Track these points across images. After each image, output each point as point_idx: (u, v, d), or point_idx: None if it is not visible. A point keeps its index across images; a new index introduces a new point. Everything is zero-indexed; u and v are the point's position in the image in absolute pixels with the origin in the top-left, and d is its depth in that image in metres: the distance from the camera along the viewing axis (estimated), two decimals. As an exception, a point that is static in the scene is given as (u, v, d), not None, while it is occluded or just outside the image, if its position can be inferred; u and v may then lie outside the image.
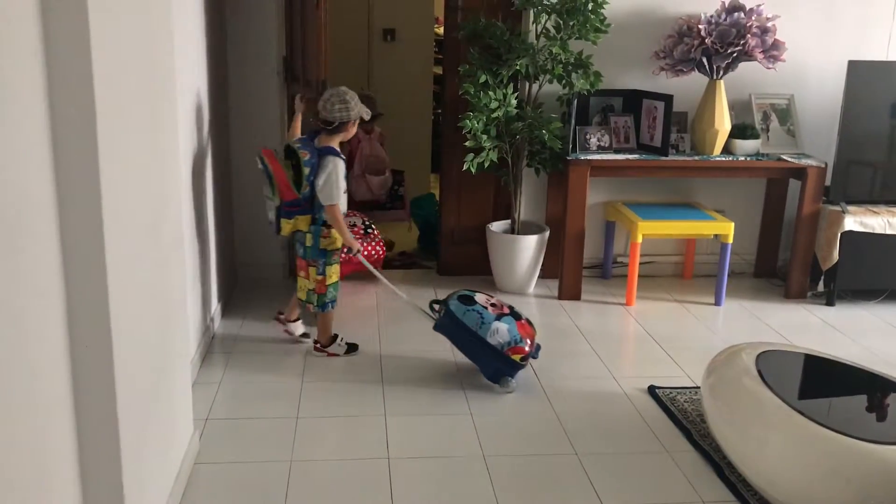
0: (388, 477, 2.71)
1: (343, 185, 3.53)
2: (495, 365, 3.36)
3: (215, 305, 3.98)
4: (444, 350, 3.75)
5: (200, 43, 3.69)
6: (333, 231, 3.55)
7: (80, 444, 1.91)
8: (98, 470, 1.95)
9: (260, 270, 4.71)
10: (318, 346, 3.71)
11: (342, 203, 3.55)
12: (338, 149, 3.56)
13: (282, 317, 3.84)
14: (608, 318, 4.30)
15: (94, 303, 1.85)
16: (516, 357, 3.32)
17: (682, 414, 3.21)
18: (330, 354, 3.68)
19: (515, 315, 3.45)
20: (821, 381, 3.09)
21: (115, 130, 1.91)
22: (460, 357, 3.64)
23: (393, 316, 4.20)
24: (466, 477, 2.75)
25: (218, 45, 4.15)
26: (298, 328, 3.83)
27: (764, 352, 2.99)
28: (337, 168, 3.47)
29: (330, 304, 3.66)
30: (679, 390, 3.41)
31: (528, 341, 3.38)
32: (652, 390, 3.40)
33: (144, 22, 2.23)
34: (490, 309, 3.40)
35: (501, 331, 3.32)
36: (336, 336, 3.71)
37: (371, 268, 3.74)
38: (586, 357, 3.76)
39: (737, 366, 2.94)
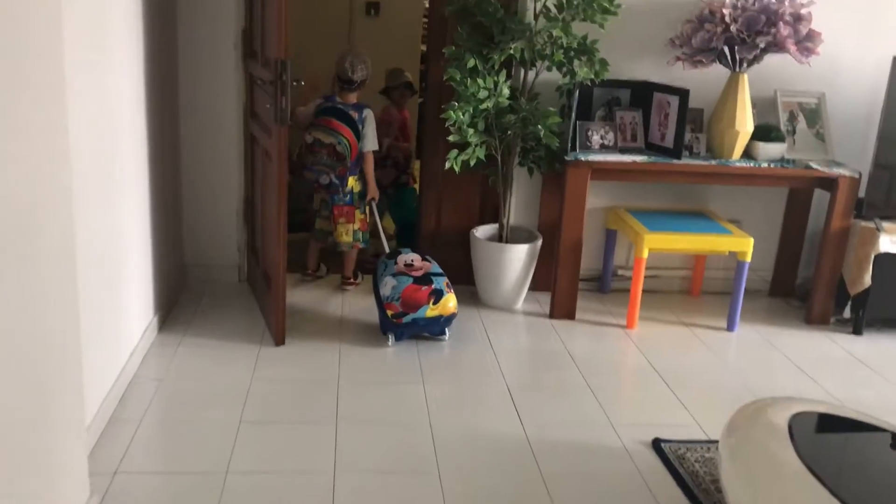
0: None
1: None
2: (380, 314, 3.58)
3: (150, 319, 3.41)
4: (411, 359, 3.23)
5: (134, 9, 3.09)
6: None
7: None
8: None
9: (211, 272, 4.14)
10: (349, 280, 4.21)
11: None
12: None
13: (309, 275, 4.29)
14: (606, 345, 3.74)
15: None
16: (389, 312, 3.51)
17: (692, 477, 2.67)
18: (356, 284, 4.22)
19: (422, 281, 3.56)
20: (872, 456, 2.52)
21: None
22: (427, 373, 3.13)
23: (358, 314, 3.67)
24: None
25: (165, 12, 3.55)
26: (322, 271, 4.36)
27: (799, 413, 2.45)
28: (373, 118, 4.07)
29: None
30: (689, 445, 2.87)
31: (408, 305, 3.49)
32: (657, 444, 2.86)
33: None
34: (399, 265, 3.65)
35: (388, 285, 3.55)
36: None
37: (378, 217, 4.28)
38: (580, 395, 3.21)
39: (765, 429, 2.40)
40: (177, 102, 3.88)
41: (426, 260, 3.73)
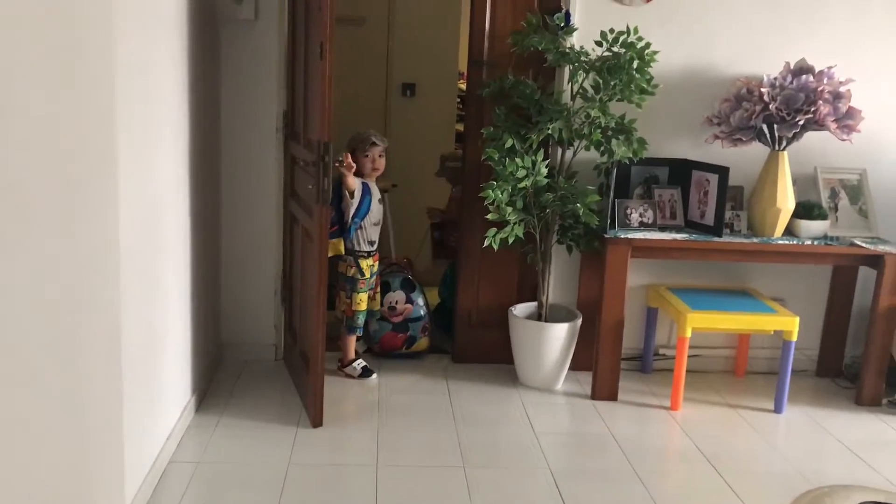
0: None
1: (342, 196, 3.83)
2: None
3: (188, 399, 3.38)
4: (450, 441, 3.13)
5: (181, 93, 3.16)
6: (361, 262, 3.90)
7: None
8: None
9: (247, 350, 4.13)
10: (339, 365, 3.99)
11: (365, 230, 3.93)
12: (363, 179, 3.92)
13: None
14: (650, 428, 3.64)
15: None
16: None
17: (749, 572, 2.55)
18: (347, 375, 3.96)
19: (399, 328, 4.09)
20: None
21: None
22: (468, 457, 3.02)
23: (396, 394, 3.59)
24: None
25: (209, 94, 3.63)
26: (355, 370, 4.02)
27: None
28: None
29: (357, 329, 3.97)
30: (743, 536, 2.75)
31: (384, 348, 4.12)
32: (710, 535, 2.74)
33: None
34: (384, 308, 4.08)
35: (371, 327, 4.08)
36: (355, 359, 3.98)
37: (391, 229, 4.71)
38: (626, 483, 3.10)
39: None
40: (218, 182, 3.93)
41: (409, 302, 4.11)
